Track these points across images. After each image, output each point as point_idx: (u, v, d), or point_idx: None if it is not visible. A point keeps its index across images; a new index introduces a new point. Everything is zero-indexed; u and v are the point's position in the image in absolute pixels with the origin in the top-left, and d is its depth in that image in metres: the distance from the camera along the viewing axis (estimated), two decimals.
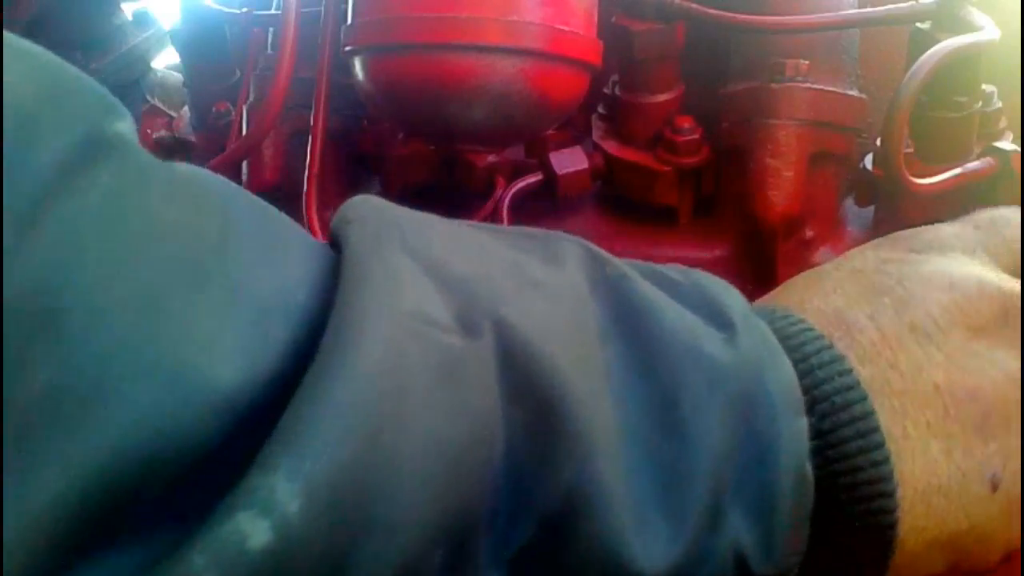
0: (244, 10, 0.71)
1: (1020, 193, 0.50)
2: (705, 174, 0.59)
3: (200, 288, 0.23)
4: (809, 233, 0.57)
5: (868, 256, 0.39)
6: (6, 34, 0.24)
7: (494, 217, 0.59)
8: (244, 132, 0.66)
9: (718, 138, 0.58)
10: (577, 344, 0.28)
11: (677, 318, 0.31)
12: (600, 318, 0.30)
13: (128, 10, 0.93)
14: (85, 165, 0.23)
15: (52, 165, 0.22)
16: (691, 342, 0.30)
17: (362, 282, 0.25)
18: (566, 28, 0.49)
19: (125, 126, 0.25)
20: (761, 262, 0.56)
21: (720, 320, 0.32)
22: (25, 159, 0.22)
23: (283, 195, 0.66)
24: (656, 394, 0.30)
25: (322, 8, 0.56)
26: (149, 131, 0.77)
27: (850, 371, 0.33)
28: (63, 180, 0.22)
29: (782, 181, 0.54)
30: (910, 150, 0.52)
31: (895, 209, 0.55)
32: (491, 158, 0.62)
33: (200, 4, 0.71)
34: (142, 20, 0.93)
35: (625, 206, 0.62)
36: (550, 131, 0.62)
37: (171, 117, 0.83)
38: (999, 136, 0.54)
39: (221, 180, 0.27)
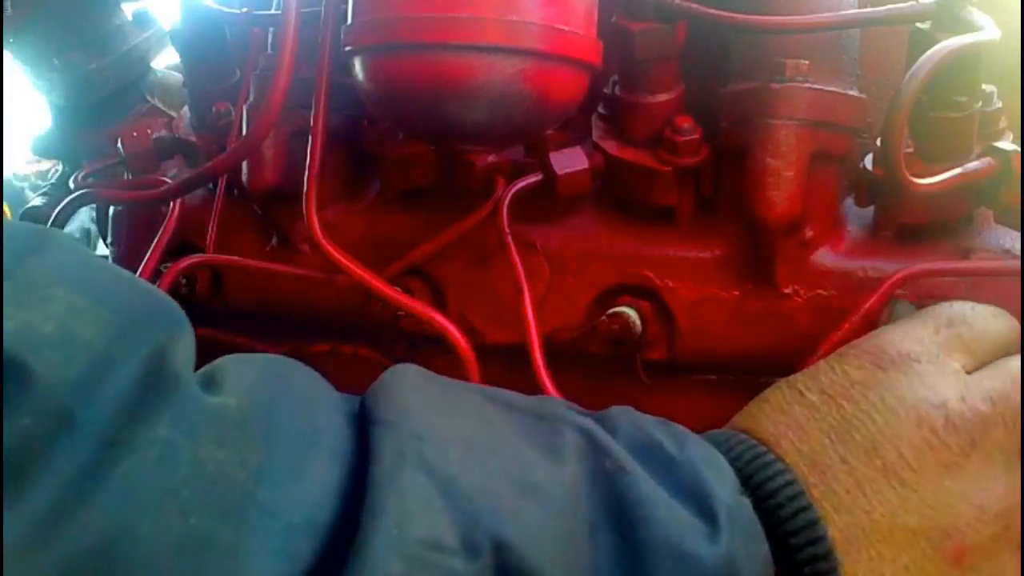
0: (244, 10, 0.71)
1: (1020, 193, 0.50)
2: (705, 174, 0.59)
3: (241, 519, 0.28)
4: (809, 233, 0.57)
5: (836, 374, 0.42)
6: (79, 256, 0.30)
7: (494, 217, 0.59)
8: (244, 132, 0.66)
9: (718, 138, 0.58)
10: (567, 552, 0.32)
11: (666, 514, 0.34)
12: (593, 514, 0.34)
13: (128, 10, 0.93)
14: (146, 413, 0.27)
15: (115, 413, 0.27)
16: (676, 540, 0.33)
17: (381, 512, 0.29)
18: (566, 28, 0.49)
19: (183, 354, 0.30)
20: (761, 262, 0.57)
21: (707, 512, 0.35)
22: (91, 402, 0.27)
23: (283, 195, 0.66)
24: None
25: (322, 8, 0.56)
26: (149, 131, 0.77)
27: (823, 538, 0.36)
28: (125, 432, 0.27)
29: (782, 181, 0.54)
30: (910, 150, 0.52)
31: (895, 209, 0.55)
32: (491, 158, 0.62)
33: (200, 4, 0.71)
34: (142, 20, 0.93)
35: (625, 206, 0.62)
36: (550, 131, 0.62)
37: (171, 117, 0.83)
38: (999, 136, 0.54)
39: (267, 392, 0.32)
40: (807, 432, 0.39)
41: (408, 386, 0.35)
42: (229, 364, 0.33)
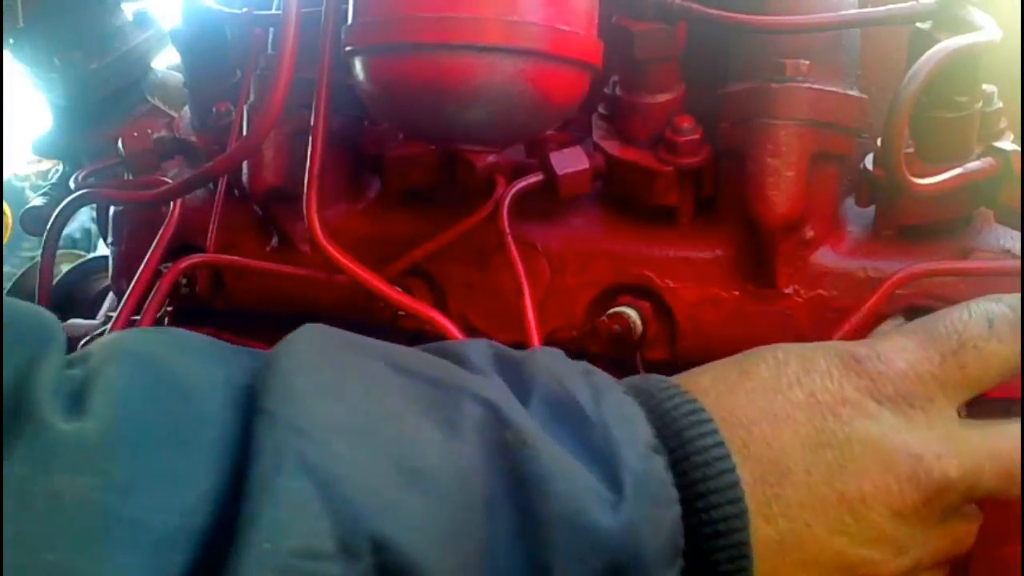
0: (244, 10, 0.71)
1: (1020, 193, 0.50)
2: (705, 174, 0.59)
3: (107, 541, 0.27)
4: (809, 233, 0.57)
5: (833, 384, 0.41)
6: None
7: (494, 217, 0.59)
8: (244, 132, 0.66)
9: (718, 138, 0.58)
10: (456, 537, 0.31)
11: (566, 487, 0.33)
12: (490, 490, 0.33)
13: (128, 10, 0.93)
14: (3, 449, 0.27)
15: None
16: (576, 512, 0.33)
17: (254, 523, 0.28)
18: (566, 28, 0.49)
19: (47, 374, 0.29)
20: (761, 262, 0.57)
21: (612, 478, 0.34)
22: None
23: (283, 195, 0.66)
24: (534, 562, 0.32)
25: (322, 8, 0.56)
26: (149, 131, 0.77)
27: (740, 500, 0.37)
28: None
29: (782, 181, 0.54)
30: (910, 150, 0.52)
31: (895, 209, 0.55)
32: (491, 158, 0.62)
33: (200, 4, 0.71)
34: (142, 20, 0.93)
35: (625, 206, 0.62)
36: (550, 131, 0.62)
37: (171, 117, 0.83)
38: (999, 136, 0.54)
39: (139, 393, 0.31)
40: (783, 429, 0.39)
41: (302, 362, 0.34)
42: (100, 364, 0.31)
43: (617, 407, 0.37)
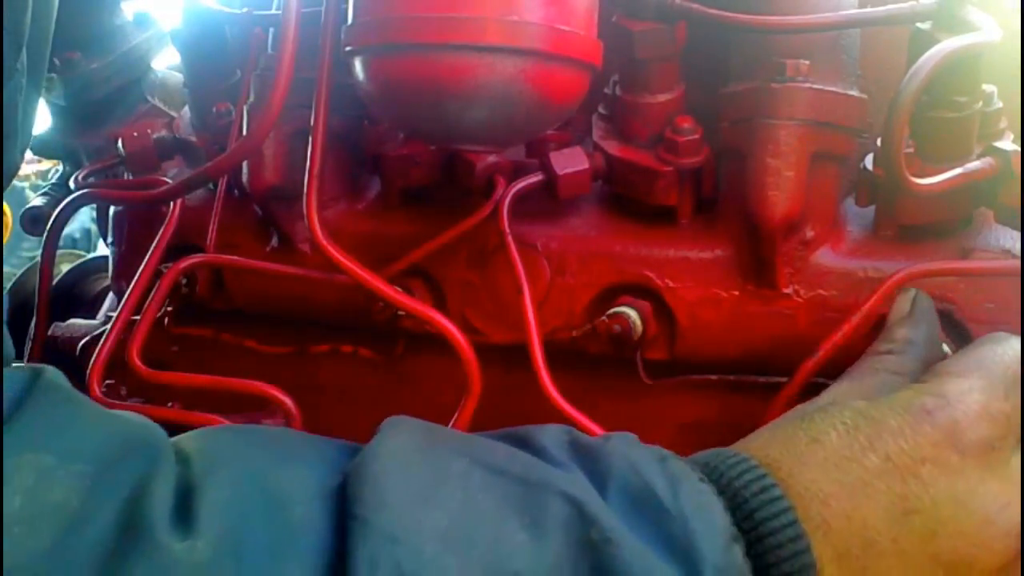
0: (244, 10, 0.71)
1: (1020, 193, 0.50)
2: (705, 174, 0.59)
3: None
4: (809, 233, 0.57)
5: (907, 442, 0.39)
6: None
7: (494, 217, 0.59)
8: (244, 132, 0.66)
9: (718, 138, 0.58)
10: None
11: None
12: None
13: (128, 10, 0.93)
14: (121, 568, 0.29)
15: (91, 571, 0.29)
16: None
17: None
18: (566, 28, 0.49)
19: (160, 490, 0.32)
20: (761, 262, 0.56)
21: (694, 572, 0.35)
22: (67, 563, 0.28)
23: (283, 195, 0.66)
24: None
25: (322, 8, 0.56)
26: (149, 131, 0.77)
27: None
28: None
29: (782, 181, 0.54)
30: (910, 150, 0.52)
31: (895, 209, 0.55)
32: (491, 158, 0.62)
33: (200, 4, 0.71)
34: (142, 21, 0.93)
35: (625, 206, 0.62)
36: (550, 131, 0.62)
37: (171, 117, 0.83)
38: (999, 136, 0.54)
39: (240, 509, 0.33)
40: (862, 500, 0.38)
41: (392, 465, 0.35)
42: (203, 476, 0.34)
43: (694, 496, 0.37)
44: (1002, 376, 0.41)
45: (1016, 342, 0.43)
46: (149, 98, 0.93)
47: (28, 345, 0.77)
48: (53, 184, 0.96)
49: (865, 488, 0.38)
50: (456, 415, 0.54)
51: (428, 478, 0.35)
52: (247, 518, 0.32)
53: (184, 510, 0.32)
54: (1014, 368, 0.42)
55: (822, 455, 0.39)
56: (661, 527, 0.36)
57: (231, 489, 0.33)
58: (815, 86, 0.54)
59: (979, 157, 0.51)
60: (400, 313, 0.63)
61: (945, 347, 0.52)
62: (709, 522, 0.36)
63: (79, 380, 0.61)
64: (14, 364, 0.37)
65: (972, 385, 0.41)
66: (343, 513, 0.33)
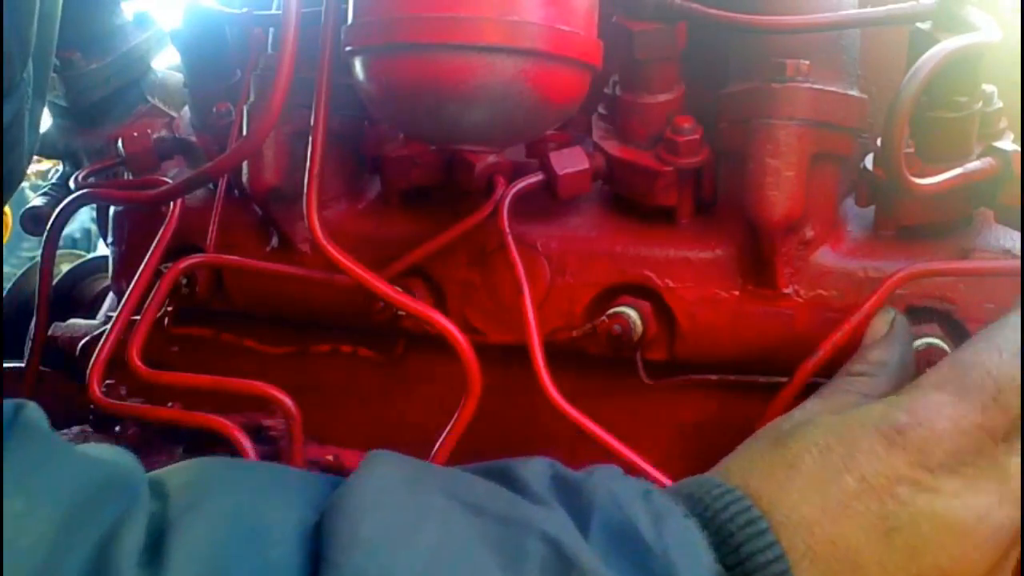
0: (244, 10, 0.71)
1: (1020, 193, 0.50)
2: (705, 174, 0.59)
3: None
4: (809, 233, 0.57)
5: (881, 463, 0.40)
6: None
7: (494, 217, 0.59)
8: (244, 132, 0.66)
9: (718, 138, 0.58)
10: None
11: None
12: None
13: (128, 11, 0.93)
14: None
15: None
16: None
17: None
18: (566, 28, 0.49)
19: (131, 533, 0.31)
20: (761, 262, 0.56)
21: None
22: None
23: (283, 195, 0.66)
24: None
25: (322, 8, 0.56)
26: (149, 131, 0.77)
27: None
28: None
29: (782, 181, 0.54)
30: (910, 150, 0.52)
31: (895, 209, 0.55)
32: (491, 158, 0.62)
33: (200, 4, 0.71)
34: (142, 21, 0.93)
35: (625, 206, 0.62)
36: (550, 131, 0.62)
37: (171, 117, 0.83)
38: (999, 136, 0.54)
39: (215, 548, 0.32)
40: (844, 523, 0.38)
41: (368, 503, 0.35)
42: (181, 513, 0.33)
43: (678, 533, 0.37)
44: (980, 389, 0.41)
45: (1004, 345, 0.43)
46: (149, 98, 0.93)
47: (28, 345, 0.77)
48: (53, 184, 0.96)
49: (845, 510, 0.39)
50: (456, 415, 0.54)
51: (406, 516, 0.35)
52: (222, 560, 0.32)
53: (156, 551, 0.32)
54: (1001, 379, 0.41)
55: (800, 481, 0.40)
56: (644, 565, 0.35)
57: (207, 528, 0.33)
58: (815, 86, 0.54)
59: (979, 157, 0.51)
60: (400, 313, 0.63)
61: (945, 346, 0.52)
62: (693, 558, 0.36)
63: (79, 380, 0.61)
64: None
65: (943, 400, 0.41)
66: (318, 555, 0.33)
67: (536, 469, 0.40)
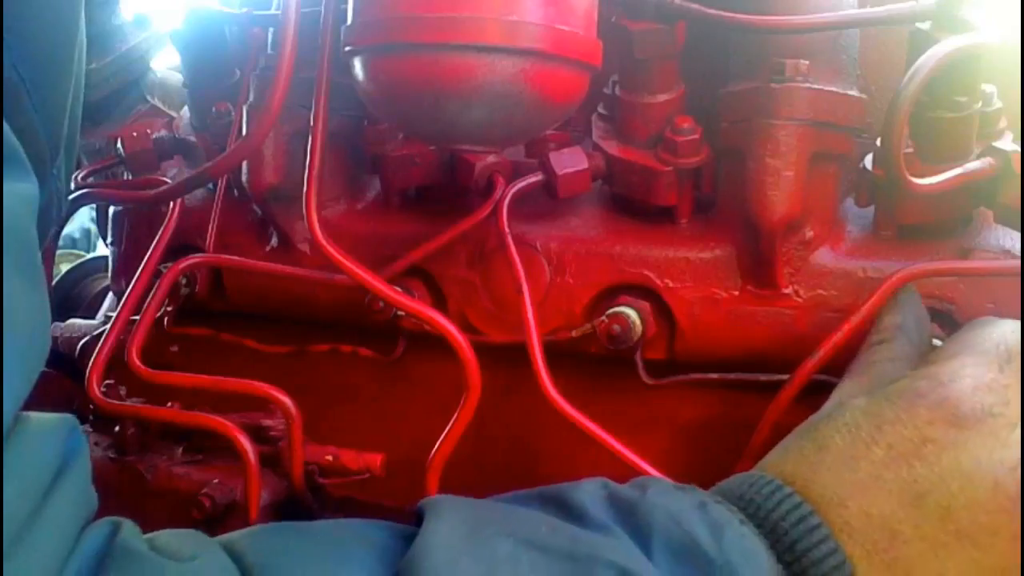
0: (244, 10, 0.71)
1: (1020, 193, 0.50)
2: (705, 174, 0.59)
3: None
4: (809, 233, 0.57)
5: (906, 428, 0.40)
6: None
7: (494, 217, 0.59)
8: (244, 132, 0.66)
9: (718, 138, 0.58)
10: None
11: None
12: None
13: (127, 11, 0.93)
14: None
15: None
16: None
17: None
18: (566, 28, 0.49)
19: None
20: (761, 262, 0.56)
21: None
22: None
23: (283, 195, 0.66)
24: None
25: (322, 8, 0.56)
26: (149, 131, 0.77)
27: None
28: None
29: (782, 181, 0.54)
30: (910, 150, 0.52)
31: (895, 209, 0.55)
32: (491, 158, 0.62)
33: (200, 5, 0.71)
34: (141, 21, 0.93)
35: (625, 206, 0.62)
36: (550, 131, 0.62)
37: (171, 117, 0.83)
38: (999, 136, 0.54)
39: None
40: (876, 493, 0.39)
41: (441, 561, 0.36)
42: None
43: (738, 542, 0.38)
44: (994, 352, 0.42)
45: (1006, 323, 0.44)
46: (149, 98, 0.93)
47: None
48: None
49: (876, 481, 0.39)
50: (456, 415, 0.54)
51: (479, 568, 0.35)
52: None
53: None
54: (1006, 344, 0.42)
55: (829, 459, 0.40)
56: None
57: None
58: (814, 86, 0.54)
59: (979, 157, 0.51)
60: (400, 313, 0.63)
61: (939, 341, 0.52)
62: (756, 567, 0.37)
63: (79, 380, 0.61)
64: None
65: (963, 362, 0.42)
66: None
67: (591, 492, 0.41)
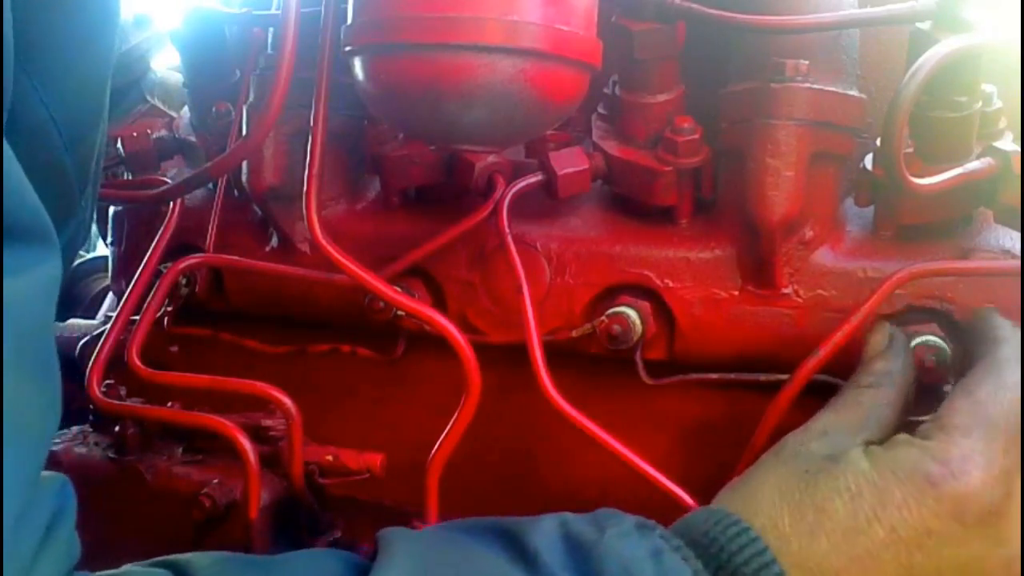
0: (244, 10, 0.71)
1: (1020, 193, 0.50)
2: (705, 174, 0.59)
3: None
4: (809, 233, 0.57)
5: (911, 515, 0.40)
6: None
7: (494, 217, 0.59)
8: (244, 132, 0.66)
9: (718, 138, 0.58)
10: None
11: None
12: None
13: (128, 12, 0.93)
14: None
15: None
16: None
17: None
18: (566, 28, 0.49)
19: None
20: (761, 262, 0.56)
21: None
22: None
23: (283, 195, 0.66)
24: None
25: (322, 8, 0.56)
26: (149, 131, 0.77)
27: None
28: None
29: (782, 181, 0.54)
30: (910, 150, 0.52)
31: (895, 209, 0.55)
32: (491, 158, 0.62)
33: (200, 4, 0.71)
34: (141, 21, 0.93)
35: (625, 206, 0.62)
36: (550, 131, 0.62)
37: (171, 117, 0.83)
38: (999, 136, 0.54)
39: None
40: (870, 573, 0.39)
41: None
42: None
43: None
44: (1003, 427, 0.42)
45: (1011, 375, 0.44)
46: (149, 98, 0.93)
47: None
48: None
49: (873, 561, 0.39)
50: (456, 415, 0.54)
51: None
52: None
53: None
54: (1012, 415, 0.42)
55: (829, 526, 0.40)
56: None
57: None
58: (814, 86, 0.54)
59: (979, 157, 0.51)
60: (400, 313, 0.63)
61: (942, 343, 0.52)
62: None
63: (79, 380, 0.61)
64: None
65: (974, 447, 0.41)
66: None
67: (548, 534, 0.40)
